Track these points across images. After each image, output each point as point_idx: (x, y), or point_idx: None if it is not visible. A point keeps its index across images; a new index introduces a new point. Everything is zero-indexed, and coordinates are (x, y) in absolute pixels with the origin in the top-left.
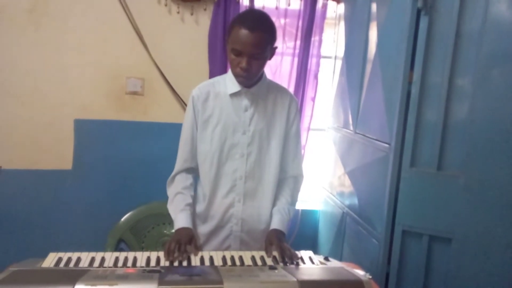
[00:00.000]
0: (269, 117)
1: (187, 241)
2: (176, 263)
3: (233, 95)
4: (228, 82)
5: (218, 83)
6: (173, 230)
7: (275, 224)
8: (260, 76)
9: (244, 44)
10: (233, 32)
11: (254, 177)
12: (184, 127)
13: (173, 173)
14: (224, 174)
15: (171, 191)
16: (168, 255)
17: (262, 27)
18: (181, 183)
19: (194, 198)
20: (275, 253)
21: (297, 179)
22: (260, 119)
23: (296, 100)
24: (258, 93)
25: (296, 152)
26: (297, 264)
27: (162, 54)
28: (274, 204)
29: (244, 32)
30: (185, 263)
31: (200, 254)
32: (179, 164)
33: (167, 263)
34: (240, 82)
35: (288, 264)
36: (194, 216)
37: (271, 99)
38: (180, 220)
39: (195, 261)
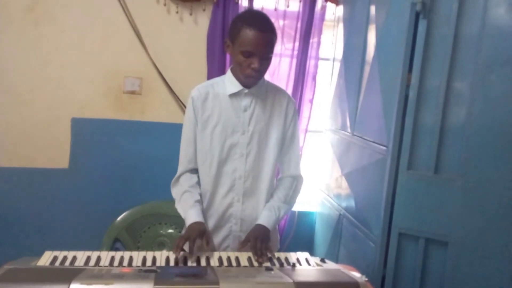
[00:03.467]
0: (268, 117)
1: (198, 236)
2: (172, 263)
3: (233, 95)
4: (227, 83)
5: (217, 84)
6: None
7: (261, 220)
8: None
9: (256, 45)
10: (242, 34)
11: (253, 176)
12: (186, 128)
13: (177, 174)
14: (224, 174)
15: (176, 191)
16: (177, 251)
17: (271, 27)
18: (187, 182)
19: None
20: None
21: (295, 179)
22: (259, 119)
23: (293, 101)
24: (257, 93)
25: (293, 153)
26: (294, 266)
27: (161, 54)
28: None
29: (255, 33)
30: (180, 263)
31: (206, 252)
32: (183, 165)
33: (163, 263)
34: (249, 83)
35: (258, 261)
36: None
37: (269, 100)
38: (191, 215)
39: (191, 261)
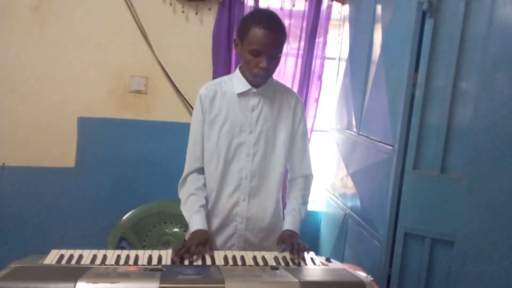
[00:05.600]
0: (275, 117)
1: (200, 243)
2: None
3: (241, 94)
4: (236, 82)
5: (225, 82)
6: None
7: (287, 225)
8: None
9: (266, 44)
10: (251, 33)
11: (259, 176)
12: (193, 127)
13: (184, 174)
14: (230, 173)
15: (183, 192)
16: (175, 256)
17: (280, 26)
18: (194, 184)
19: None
20: (285, 254)
21: (307, 179)
22: (266, 118)
23: (301, 100)
24: (265, 93)
25: (304, 152)
26: (299, 265)
27: (166, 53)
28: (278, 205)
29: (265, 32)
30: (186, 262)
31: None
32: (190, 164)
33: (169, 262)
34: (257, 82)
35: (295, 260)
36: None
37: (277, 99)
38: (195, 222)
39: (197, 260)
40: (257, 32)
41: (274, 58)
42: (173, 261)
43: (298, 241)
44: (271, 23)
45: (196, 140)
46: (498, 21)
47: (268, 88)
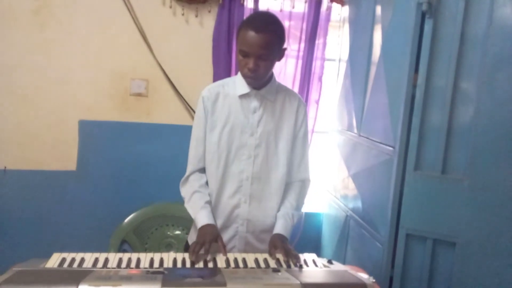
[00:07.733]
0: (277, 119)
1: (212, 239)
2: (179, 265)
3: (242, 96)
4: (238, 84)
5: (227, 84)
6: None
7: (278, 229)
8: (269, 78)
9: (250, 45)
10: (240, 33)
11: (261, 178)
12: (196, 128)
13: (186, 174)
14: (231, 174)
15: (186, 190)
16: (193, 256)
17: (268, 29)
18: (197, 182)
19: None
20: (279, 256)
21: (304, 183)
22: (268, 121)
23: (304, 103)
24: (267, 95)
25: (302, 156)
26: (301, 267)
27: (166, 56)
28: (279, 208)
29: (250, 33)
30: (188, 265)
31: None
32: (192, 164)
33: (170, 265)
34: (248, 83)
35: (292, 266)
36: None
37: (279, 102)
38: (202, 217)
39: (199, 263)
40: (244, 33)
41: (262, 60)
42: (192, 263)
43: (289, 246)
44: (258, 25)
45: (198, 141)
46: (497, 21)
47: (270, 90)
